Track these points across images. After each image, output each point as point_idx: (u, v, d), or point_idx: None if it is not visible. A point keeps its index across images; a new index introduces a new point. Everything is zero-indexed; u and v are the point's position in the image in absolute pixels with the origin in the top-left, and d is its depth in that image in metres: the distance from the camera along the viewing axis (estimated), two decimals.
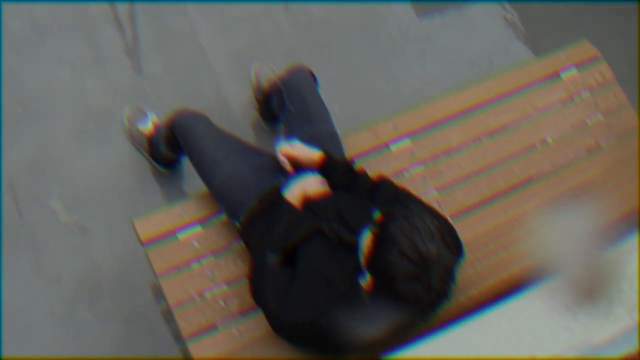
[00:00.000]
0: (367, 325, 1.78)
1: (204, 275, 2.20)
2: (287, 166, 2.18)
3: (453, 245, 1.80)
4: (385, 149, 2.46)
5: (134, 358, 2.46)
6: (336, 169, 2.14)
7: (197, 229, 2.25)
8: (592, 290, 1.61)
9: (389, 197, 2.09)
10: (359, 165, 2.23)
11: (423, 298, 1.73)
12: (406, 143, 2.48)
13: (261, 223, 2.09)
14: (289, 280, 1.94)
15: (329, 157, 2.16)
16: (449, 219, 2.21)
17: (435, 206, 2.33)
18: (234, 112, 2.91)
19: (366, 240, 1.80)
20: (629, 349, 1.55)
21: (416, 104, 2.61)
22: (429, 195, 2.42)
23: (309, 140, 2.23)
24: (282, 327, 1.92)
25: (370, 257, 1.77)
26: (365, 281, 1.83)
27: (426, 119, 2.53)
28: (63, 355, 2.45)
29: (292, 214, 2.05)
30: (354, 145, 2.42)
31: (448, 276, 1.76)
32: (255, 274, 2.00)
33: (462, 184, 2.47)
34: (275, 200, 2.10)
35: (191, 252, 2.21)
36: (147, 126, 2.74)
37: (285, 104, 2.37)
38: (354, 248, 1.91)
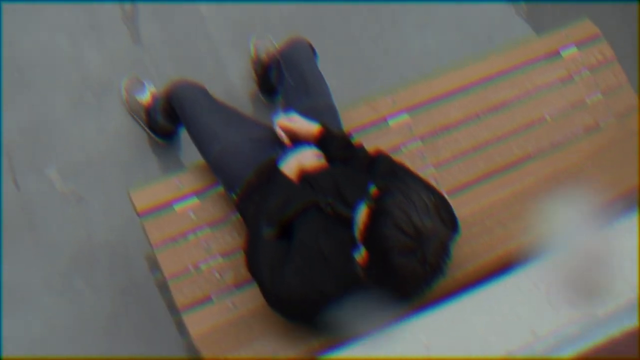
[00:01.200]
0: (361, 302, 1.78)
1: (199, 247, 2.19)
2: (285, 139, 2.17)
3: (449, 221, 1.79)
4: (383, 124, 2.44)
5: (130, 358, 2.46)
6: (334, 142, 2.14)
7: (194, 201, 2.24)
8: (590, 267, 1.60)
9: (386, 171, 2.07)
10: (357, 139, 2.22)
11: (418, 272, 1.72)
12: (405, 118, 2.47)
13: (258, 196, 2.09)
14: (284, 253, 1.94)
15: (327, 131, 2.15)
16: (445, 195, 2.21)
17: (432, 182, 2.32)
18: (232, 84, 2.88)
19: (362, 213, 1.79)
20: (631, 324, 1.56)
21: (415, 79, 2.60)
22: (426, 171, 2.41)
23: (307, 113, 2.22)
24: (276, 301, 1.92)
25: (366, 231, 1.77)
26: (360, 255, 1.82)
27: (425, 94, 2.51)
28: (58, 355, 2.45)
29: (288, 187, 2.04)
30: (352, 119, 2.41)
31: (443, 251, 1.75)
32: (251, 246, 1.98)
33: (459, 160, 2.46)
34: (272, 173, 2.09)
35: (187, 223, 2.20)
36: (145, 97, 2.71)
37: (284, 76, 2.36)
38: (350, 222, 1.90)
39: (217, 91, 2.45)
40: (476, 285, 1.74)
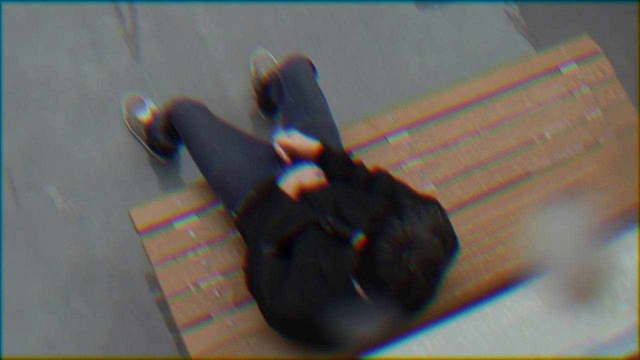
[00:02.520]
0: (361, 321, 1.77)
1: (199, 265, 2.19)
2: (285, 156, 2.17)
3: (449, 237, 1.77)
4: (383, 141, 2.45)
5: (130, 358, 2.45)
6: (333, 160, 2.13)
7: (194, 219, 2.24)
8: (590, 287, 1.58)
9: (385, 189, 2.07)
10: (357, 157, 2.23)
11: (401, 279, 1.67)
12: (404, 136, 2.47)
13: (257, 213, 2.08)
14: (283, 271, 1.93)
15: (327, 148, 2.14)
16: (449, 214, 2.21)
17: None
18: (232, 102, 2.88)
19: (359, 239, 1.79)
20: (637, 347, 1.54)
21: (415, 96, 2.59)
22: (426, 189, 2.41)
23: (307, 130, 2.22)
24: (275, 320, 1.91)
25: (364, 245, 1.75)
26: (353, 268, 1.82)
27: (425, 111, 2.51)
28: (58, 355, 2.45)
29: (287, 205, 2.04)
30: (352, 137, 2.41)
31: (430, 269, 1.71)
32: (250, 264, 1.98)
33: (459, 177, 2.46)
34: (271, 191, 2.09)
35: (187, 241, 2.20)
36: (145, 114, 2.71)
37: (284, 94, 2.35)
38: (348, 241, 1.90)
39: (217, 109, 2.46)
40: (476, 303, 1.73)
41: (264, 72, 2.77)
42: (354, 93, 2.97)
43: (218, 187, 2.20)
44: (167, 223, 2.21)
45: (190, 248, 2.20)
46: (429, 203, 1.89)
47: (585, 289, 1.58)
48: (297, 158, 2.17)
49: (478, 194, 2.45)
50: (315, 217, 1.99)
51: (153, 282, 2.43)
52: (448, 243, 1.76)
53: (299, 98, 2.33)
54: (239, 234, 2.20)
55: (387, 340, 1.67)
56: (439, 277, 1.73)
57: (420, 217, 1.72)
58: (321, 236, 1.96)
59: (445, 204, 2.37)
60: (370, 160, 2.32)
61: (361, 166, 2.15)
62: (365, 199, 2.02)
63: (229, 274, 2.20)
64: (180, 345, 2.12)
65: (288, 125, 2.29)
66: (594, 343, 1.55)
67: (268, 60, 2.83)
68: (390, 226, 1.69)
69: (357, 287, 1.81)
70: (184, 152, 2.60)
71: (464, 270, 2.28)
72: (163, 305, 2.28)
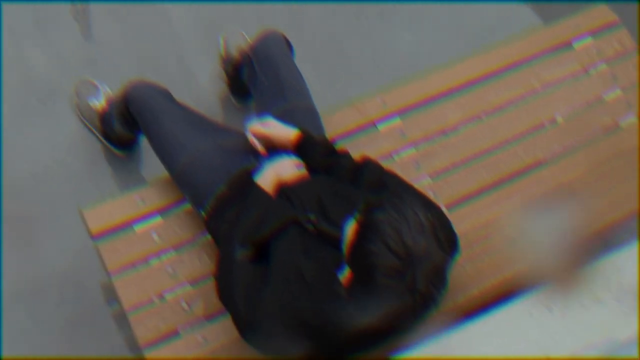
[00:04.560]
0: (346, 326, 1.77)
1: (164, 273, 2.19)
2: (259, 147, 2.18)
3: (447, 241, 1.78)
4: (372, 129, 2.45)
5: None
6: (315, 149, 2.15)
7: (157, 220, 2.24)
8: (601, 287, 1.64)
9: (374, 181, 2.08)
10: (342, 146, 2.23)
11: (405, 299, 1.71)
12: (396, 122, 2.48)
13: (230, 212, 2.09)
14: (261, 277, 1.92)
15: (307, 137, 2.16)
16: (443, 209, 2.20)
17: (429, 194, 2.35)
18: (200, 86, 2.87)
19: (350, 230, 1.79)
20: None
21: (407, 77, 2.58)
22: (422, 182, 2.42)
23: (284, 117, 2.23)
24: (252, 333, 1.89)
25: (352, 248, 1.76)
26: (344, 276, 1.81)
27: (419, 94, 2.52)
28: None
29: (264, 202, 2.04)
30: (336, 124, 2.42)
31: (437, 277, 1.74)
32: (223, 271, 1.98)
33: (459, 168, 2.47)
34: (245, 187, 2.10)
35: (150, 246, 2.21)
36: (99, 101, 2.70)
37: (257, 75, 2.37)
38: (333, 241, 1.89)
39: (182, 94, 2.43)
40: (482, 311, 1.75)
41: (234, 52, 2.76)
42: (337, 74, 2.97)
43: (184, 183, 2.21)
44: (126, 225, 2.21)
45: (154, 254, 2.20)
46: (423, 199, 1.91)
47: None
48: (273, 149, 2.18)
49: (480, 187, 2.46)
50: (296, 215, 1.99)
51: (110, 294, 2.40)
52: (447, 244, 1.77)
53: (274, 80, 2.33)
54: (209, 237, 2.20)
55: (378, 355, 1.69)
56: (445, 283, 1.75)
57: (415, 216, 1.73)
58: (302, 236, 1.96)
59: (443, 198, 2.41)
60: (358, 150, 2.33)
61: (346, 155, 2.17)
62: (352, 192, 2.03)
63: (199, 282, 2.20)
64: None
65: (262, 111, 2.30)
66: (611, 343, 1.59)
67: (239, 37, 2.82)
68: (383, 239, 1.70)
69: (343, 292, 1.82)
70: (144, 144, 2.58)
71: (467, 274, 2.29)
72: (122, 321, 2.26)
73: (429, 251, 1.71)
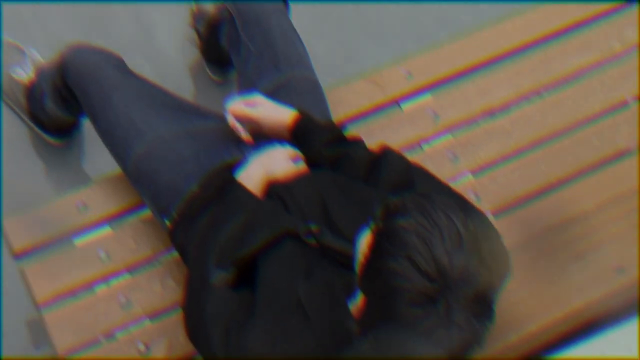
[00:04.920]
0: None
1: (114, 304, 2.18)
2: (243, 134, 2.19)
3: (493, 258, 1.76)
4: (393, 109, 2.46)
5: None
6: (317, 137, 2.15)
7: (105, 232, 2.25)
8: None
9: (397, 179, 2.09)
10: (353, 132, 2.23)
11: (439, 336, 1.71)
12: (425, 99, 2.49)
13: (204, 221, 2.08)
14: (244, 310, 1.91)
15: (307, 120, 2.16)
16: (489, 215, 2.21)
17: (470, 196, 2.37)
18: (163, 52, 2.88)
19: (364, 243, 1.79)
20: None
21: (440, 41, 2.61)
22: (461, 180, 2.44)
23: (277, 93, 2.24)
24: None
25: (367, 267, 1.76)
26: (355, 305, 1.81)
27: (455, 63, 2.54)
28: None
29: (249, 208, 2.04)
30: (346, 103, 2.43)
31: (480, 307, 1.71)
32: (193, 300, 1.97)
33: (510, 161, 2.49)
34: (225, 187, 2.10)
35: (95, 267, 2.20)
36: (26, 72, 2.69)
37: (241, 38, 2.36)
38: (342, 258, 1.90)
39: (139, 63, 2.45)
40: (543, 353, 1.74)
41: (210, 6, 2.76)
42: (347, 36, 2.97)
43: (143, 183, 2.22)
44: (63, 240, 2.21)
45: (101, 278, 2.20)
46: (461, 202, 1.90)
47: None
48: (262, 136, 2.19)
49: (540, 187, 2.47)
50: (292, 225, 1.99)
51: (39, 334, 2.41)
52: (493, 262, 1.74)
53: (264, 44, 2.34)
54: (175, 254, 2.20)
55: None
56: (491, 316, 1.73)
57: (452, 225, 1.72)
58: (300, 254, 1.96)
59: (489, 202, 2.42)
60: (375, 137, 2.33)
61: (359, 145, 2.17)
62: (366, 194, 2.03)
63: (161, 316, 2.20)
64: None
65: (248, 86, 2.31)
66: None
67: None
68: (409, 255, 1.69)
69: (355, 327, 1.82)
70: (88, 129, 2.58)
71: (522, 304, 2.29)
72: None
73: (470, 271, 1.68)
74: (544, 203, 2.45)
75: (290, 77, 2.31)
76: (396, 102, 2.47)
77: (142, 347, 2.15)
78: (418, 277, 1.67)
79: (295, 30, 2.37)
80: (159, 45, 2.87)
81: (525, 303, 2.30)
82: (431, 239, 1.68)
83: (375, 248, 1.72)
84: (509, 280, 1.81)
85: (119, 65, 2.33)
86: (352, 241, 1.85)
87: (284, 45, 2.34)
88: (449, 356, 1.72)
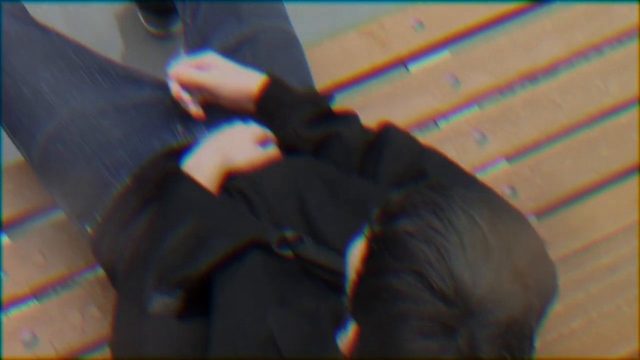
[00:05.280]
0: None
1: (14, 342, 2.20)
2: (192, 107, 2.20)
3: (532, 271, 1.76)
4: (399, 71, 2.49)
5: None
6: (295, 111, 2.16)
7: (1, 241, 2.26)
8: None
9: (404, 169, 2.10)
10: (343, 104, 2.23)
11: None
12: (443, 58, 2.52)
13: (139, 226, 2.12)
14: (195, 348, 1.91)
15: (280, 87, 2.18)
16: (531, 218, 2.26)
17: (504, 191, 2.43)
18: None
19: (357, 254, 1.77)
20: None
21: None
22: (491, 168, 2.49)
23: (238, 51, 2.28)
24: None
25: (360, 286, 1.73)
26: (346, 338, 1.79)
27: (483, 9, 2.56)
28: None
29: (201, 210, 2.05)
30: (335, 64, 2.44)
31: (515, 338, 1.70)
32: (125, 336, 1.98)
33: (557, 143, 2.53)
34: (167, 181, 2.10)
35: None
36: None
37: None
38: (329, 276, 1.92)
39: (47, 10, 2.41)
40: None
41: None
42: None
43: (54, 175, 2.23)
44: None
45: None
46: (490, 198, 1.87)
47: None
48: (218, 109, 2.21)
49: (600, 178, 2.52)
50: (259, 231, 1.99)
51: None
52: (533, 280, 1.71)
53: None
54: (100, 272, 2.22)
55: None
56: (531, 349, 1.72)
57: (477, 230, 1.71)
58: (272, 271, 1.96)
59: (530, 198, 2.46)
60: (374, 110, 2.36)
61: (351, 121, 2.19)
62: (361, 189, 2.06)
63: (81, 356, 2.22)
64: None
65: (198, 42, 2.34)
66: None
67: None
68: (417, 269, 1.67)
69: None
70: None
71: (576, 338, 2.30)
72: None
73: (500, 291, 1.68)
74: (605, 198, 2.51)
75: (257, 29, 2.32)
76: (402, 63, 2.49)
77: None
78: (430, 298, 1.65)
79: None
80: None
81: (578, 337, 2.37)
82: (447, 247, 1.66)
83: (372, 261, 1.70)
84: (555, 302, 1.83)
85: (18, 13, 2.32)
86: (341, 253, 1.84)
87: None
88: None
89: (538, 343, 1.81)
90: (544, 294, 1.77)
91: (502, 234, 1.69)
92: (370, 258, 1.70)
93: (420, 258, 1.65)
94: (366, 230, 1.75)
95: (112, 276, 2.15)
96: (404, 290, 1.64)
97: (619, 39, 2.59)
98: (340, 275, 1.82)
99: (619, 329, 2.42)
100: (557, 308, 1.98)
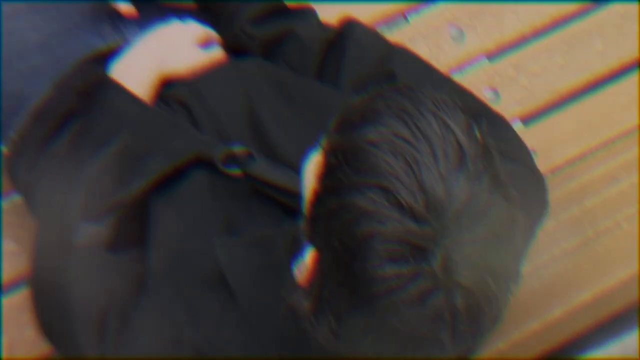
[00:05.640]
0: None
1: None
2: (122, 2, 2.20)
3: (516, 184, 1.71)
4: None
5: None
6: (242, 5, 2.18)
7: None
8: None
9: (370, 72, 2.09)
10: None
11: (434, 305, 1.62)
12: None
13: (62, 146, 2.08)
14: (130, 283, 1.89)
15: None
16: (516, 124, 2.28)
17: (485, 94, 2.47)
18: None
19: (313, 168, 1.71)
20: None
21: None
22: (471, 68, 2.52)
23: None
24: None
25: (317, 205, 1.69)
26: (303, 267, 1.75)
27: None
28: None
29: (134, 122, 2.04)
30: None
31: (501, 260, 1.66)
32: (48, 272, 1.98)
33: (545, 37, 2.58)
34: (94, 90, 2.09)
35: None
36: None
37: None
38: (285, 197, 1.90)
39: None
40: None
41: None
42: None
43: None
44: None
45: None
46: (467, 99, 1.92)
47: None
48: (152, 6, 2.23)
49: (592, 78, 2.56)
50: (202, 146, 1.98)
51: None
52: (520, 197, 1.70)
53: None
54: (17, 199, 2.24)
55: None
56: (515, 275, 1.69)
57: (449, 144, 1.65)
58: (219, 193, 1.95)
59: (515, 101, 2.51)
60: (336, 8, 2.35)
61: (310, 18, 2.21)
62: (321, 96, 2.05)
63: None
64: None
65: None
66: None
67: None
68: (380, 182, 1.63)
69: (303, 304, 1.77)
70: None
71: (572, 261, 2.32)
72: None
73: (479, 204, 1.64)
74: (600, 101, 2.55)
75: None
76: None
77: None
78: (398, 217, 1.60)
79: None
80: None
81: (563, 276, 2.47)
82: (416, 157, 1.62)
83: (330, 177, 1.66)
84: (546, 219, 1.85)
85: None
86: (297, 170, 1.82)
87: None
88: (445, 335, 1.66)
89: (526, 267, 1.86)
90: (530, 207, 1.78)
91: (478, 139, 1.65)
92: (328, 173, 1.65)
93: (385, 171, 1.60)
94: (323, 142, 1.68)
95: (31, 203, 2.12)
96: (367, 208, 1.59)
97: None
98: (297, 195, 1.77)
99: (617, 248, 2.46)
100: (547, 225, 2.03)
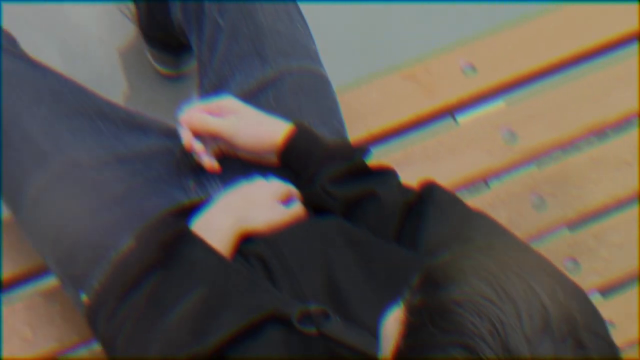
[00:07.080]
0: None
1: None
2: (206, 159, 2.22)
3: (598, 348, 1.76)
4: (445, 122, 2.53)
5: None
6: (324, 166, 2.18)
7: None
8: None
9: (449, 236, 2.09)
10: (380, 159, 2.26)
11: None
12: (497, 107, 2.55)
13: (142, 298, 2.10)
14: None
15: (308, 138, 2.20)
16: (594, 295, 2.28)
17: (564, 265, 2.45)
18: (80, 28, 2.92)
19: (391, 326, 1.78)
20: None
21: (519, 18, 2.64)
22: (549, 237, 2.50)
23: (260, 96, 2.29)
24: None
25: None
26: None
27: (544, 50, 2.56)
28: None
29: (213, 277, 2.06)
30: (370, 112, 2.45)
31: None
32: None
33: (627, 209, 2.55)
34: (174, 244, 2.11)
35: None
36: None
37: (204, 8, 2.40)
38: (359, 356, 1.89)
39: (42, 44, 2.43)
40: None
41: None
42: (372, 10, 3.00)
43: (44, 234, 2.23)
44: None
45: None
46: (547, 268, 1.89)
47: None
48: (236, 162, 2.23)
49: None
50: (279, 304, 1.99)
51: None
52: (597, 353, 1.70)
53: (243, 19, 2.38)
54: (97, 347, 2.22)
55: None
56: None
57: (535, 298, 1.70)
58: (292, 350, 1.95)
59: (596, 272, 2.46)
60: (415, 168, 2.42)
61: (390, 180, 2.20)
62: (400, 258, 2.06)
63: None
64: None
65: (214, 84, 2.35)
66: None
67: None
68: (465, 341, 1.66)
69: None
70: None
71: None
72: None
73: None
74: None
75: (282, 71, 2.34)
76: (449, 112, 2.51)
77: None
78: None
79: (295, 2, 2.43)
80: (74, 18, 2.90)
81: None
82: (502, 318, 1.66)
83: (413, 335, 1.70)
84: None
85: (9, 47, 2.34)
86: (373, 333, 1.85)
87: (273, 20, 2.38)
88: None
89: None
90: None
91: (562, 303, 1.69)
92: (411, 332, 1.69)
93: (470, 331, 1.64)
94: (405, 301, 1.76)
95: (110, 353, 2.12)
96: None
97: None
98: (371, 358, 1.83)
99: None
100: None
